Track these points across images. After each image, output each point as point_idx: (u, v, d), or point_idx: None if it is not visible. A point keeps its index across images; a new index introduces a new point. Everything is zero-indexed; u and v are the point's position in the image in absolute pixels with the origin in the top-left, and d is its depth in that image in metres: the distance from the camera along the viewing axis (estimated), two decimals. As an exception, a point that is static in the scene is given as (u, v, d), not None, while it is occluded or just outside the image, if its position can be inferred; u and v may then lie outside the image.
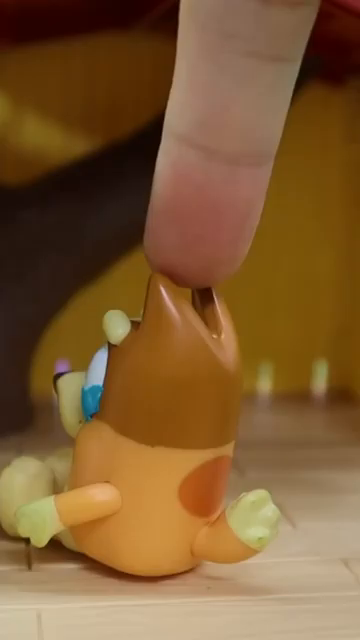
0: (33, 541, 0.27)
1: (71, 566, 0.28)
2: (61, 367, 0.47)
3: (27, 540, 0.27)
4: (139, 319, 0.27)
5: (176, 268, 0.26)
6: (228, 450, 0.27)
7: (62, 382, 0.29)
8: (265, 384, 0.51)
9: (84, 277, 0.45)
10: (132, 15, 0.43)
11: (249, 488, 0.27)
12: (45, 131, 0.47)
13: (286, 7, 0.21)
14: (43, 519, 0.27)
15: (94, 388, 0.27)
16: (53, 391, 0.29)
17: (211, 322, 0.27)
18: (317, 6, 0.22)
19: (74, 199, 0.43)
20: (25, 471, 0.30)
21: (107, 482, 0.27)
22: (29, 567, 0.28)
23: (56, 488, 0.29)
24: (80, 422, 0.28)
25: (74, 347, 0.46)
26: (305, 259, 0.51)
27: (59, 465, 0.30)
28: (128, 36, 0.47)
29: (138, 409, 0.26)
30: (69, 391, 0.28)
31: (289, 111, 0.24)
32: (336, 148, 0.50)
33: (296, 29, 0.22)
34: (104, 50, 0.47)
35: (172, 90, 0.24)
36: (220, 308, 0.27)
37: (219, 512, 0.28)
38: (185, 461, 0.27)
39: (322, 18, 0.36)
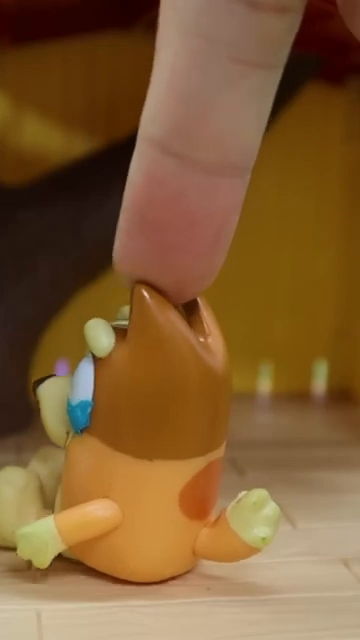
0: (35, 563, 0.27)
1: (71, 567, 0.28)
2: (61, 367, 0.47)
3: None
4: (119, 323, 0.27)
5: (148, 281, 0.25)
6: (221, 452, 0.27)
7: (43, 390, 0.28)
8: (265, 384, 0.51)
9: (84, 277, 0.45)
10: (132, 15, 0.44)
11: (249, 488, 0.27)
12: (45, 131, 0.47)
13: (275, 13, 0.21)
14: (44, 542, 0.26)
15: (83, 403, 0.26)
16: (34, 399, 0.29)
17: (198, 326, 0.27)
18: (302, 13, 0.22)
19: (74, 199, 0.43)
20: (13, 483, 0.29)
21: (106, 497, 0.27)
22: (29, 567, 0.28)
23: (43, 495, 0.29)
24: (67, 432, 0.27)
25: (74, 347, 0.46)
26: (305, 259, 0.51)
27: (43, 469, 0.30)
28: (128, 36, 0.47)
29: (132, 424, 0.26)
30: (51, 399, 0.28)
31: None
32: (336, 148, 0.50)
33: (282, 35, 0.22)
34: (104, 50, 0.47)
35: (149, 91, 0.23)
36: (205, 311, 0.27)
37: (215, 511, 0.28)
38: (184, 470, 0.26)
39: (322, 18, 0.36)
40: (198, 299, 0.27)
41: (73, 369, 0.27)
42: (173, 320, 0.26)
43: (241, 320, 0.50)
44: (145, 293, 0.25)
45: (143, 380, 0.25)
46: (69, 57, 0.47)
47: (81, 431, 0.26)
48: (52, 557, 0.27)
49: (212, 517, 0.28)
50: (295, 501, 0.34)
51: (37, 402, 0.28)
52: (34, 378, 0.44)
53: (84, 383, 0.26)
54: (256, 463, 0.39)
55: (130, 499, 0.26)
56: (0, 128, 0.47)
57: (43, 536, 0.26)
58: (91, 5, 0.42)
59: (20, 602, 0.26)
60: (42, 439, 0.29)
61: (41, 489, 0.29)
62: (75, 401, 0.26)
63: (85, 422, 0.26)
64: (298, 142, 0.49)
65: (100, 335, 0.26)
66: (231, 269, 0.51)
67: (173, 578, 0.28)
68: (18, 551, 0.27)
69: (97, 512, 0.26)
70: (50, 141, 0.47)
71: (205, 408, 0.26)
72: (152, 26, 0.47)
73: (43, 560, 0.26)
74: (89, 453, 0.26)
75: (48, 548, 0.26)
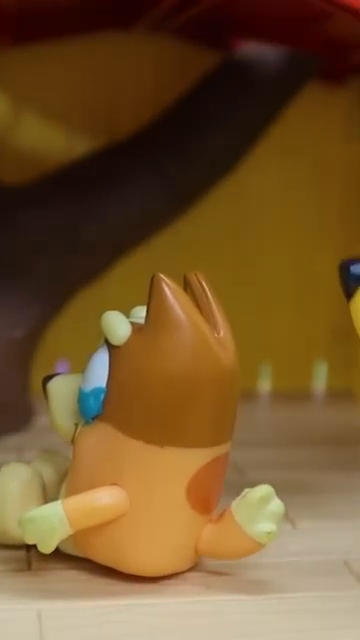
0: (40, 548, 0.27)
1: (71, 566, 0.28)
2: (61, 367, 0.47)
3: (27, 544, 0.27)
4: (133, 320, 0.27)
5: None
6: (227, 447, 0.28)
7: (53, 385, 0.29)
8: (265, 384, 0.51)
9: (84, 277, 0.45)
10: (133, 15, 0.43)
11: (249, 488, 0.27)
12: (45, 131, 0.47)
13: None
14: (51, 525, 0.26)
15: (97, 390, 0.27)
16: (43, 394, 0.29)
17: (210, 320, 0.27)
18: None
19: (74, 199, 0.43)
20: (18, 477, 0.29)
21: (114, 484, 0.27)
22: (29, 567, 0.28)
23: (45, 494, 0.29)
24: (75, 424, 0.28)
25: (74, 347, 0.46)
26: (305, 259, 0.51)
27: (45, 470, 0.30)
28: (129, 35, 0.47)
29: (145, 410, 0.26)
30: (61, 394, 0.28)
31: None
32: (335, 148, 0.50)
33: None
34: (105, 50, 0.47)
35: None
36: (217, 306, 0.27)
37: (217, 509, 0.28)
38: (193, 460, 0.27)
39: (322, 18, 0.36)
40: (211, 295, 0.27)
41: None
42: (189, 312, 0.26)
43: (241, 320, 0.50)
44: (164, 283, 0.26)
45: (158, 367, 0.26)
46: (69, 57, 0.47)
47: (92, 419, 0.27)
48: (58, 542, 0.27)
49: (215, 514, 0.28)
50: (295, 501, 0.34)
51: (46, 397, 0.29)
52: (36, 377, 0.44)
53: (99, 371, 0.27)
54: (256, 463, 0.39)
55: (140, 486, 0.27)
56: (0, 128, 0.47)
57: (51, 519, 0.26)
58: (91, 5, 0.42)
59: (21, 602, 0.26)
60: (42, 439, 0.29)
61: (43, 488, 0.29)
62: (88, 388, 0.27)
63: (97, 409, 0.27)
64: (298, 142, 0.49)
65: (116, 324, 0.27)
66: (231, 269, 0.51)
67: (172, 577, 0.28)
68: (25, 535, 0.27)
69: (105, 498, 0.27)
70: (50, 141, 0.47)
71: (216, 399, 0.27)
72: (153, 26, 0.47)
73: (50, 543, 0.27)
74: (100, 440, 0.27)
75: (55, 532, 0.26)
